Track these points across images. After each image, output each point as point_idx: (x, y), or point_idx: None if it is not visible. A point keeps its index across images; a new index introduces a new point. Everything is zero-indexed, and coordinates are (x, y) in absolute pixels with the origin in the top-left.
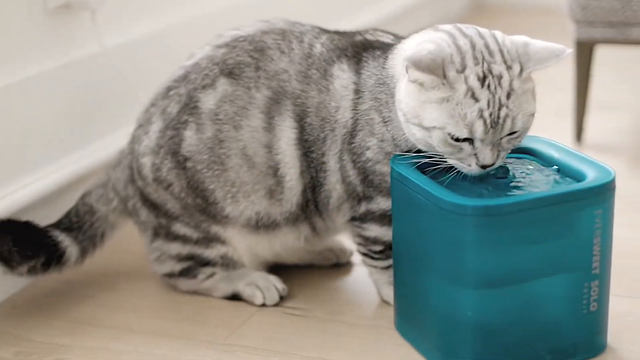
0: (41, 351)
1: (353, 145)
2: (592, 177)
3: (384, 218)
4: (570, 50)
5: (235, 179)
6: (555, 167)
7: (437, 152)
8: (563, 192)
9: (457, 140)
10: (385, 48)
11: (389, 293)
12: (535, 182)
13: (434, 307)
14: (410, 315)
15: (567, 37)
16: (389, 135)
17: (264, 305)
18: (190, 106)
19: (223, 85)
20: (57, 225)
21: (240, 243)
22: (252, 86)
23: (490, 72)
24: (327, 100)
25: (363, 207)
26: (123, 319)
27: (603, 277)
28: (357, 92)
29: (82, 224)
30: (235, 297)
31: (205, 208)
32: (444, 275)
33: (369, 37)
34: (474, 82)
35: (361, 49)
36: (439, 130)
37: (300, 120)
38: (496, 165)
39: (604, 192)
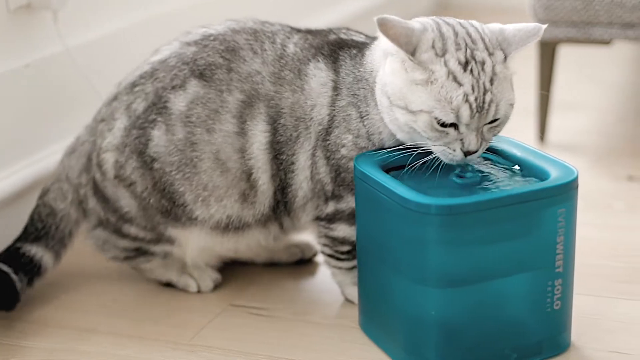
0: (2, 352)
1: (328, 142)
2: (555, 176)
3: (352, 217)
4: (544, 27)
5: (208, 183)
6: (519, 166)
7: (416, 142)
8: (526, 191)
9: (443, 125)
10: (360, 47)
11: (353, 293)
12: (499, 182)
13: (398, 306)
14: (374, 314)
15: None
16: (364, 131)
17: (199, 292)
18: (158, 106)
19: (194, 87)
20: (26, 237)
21: (196, 243)
22: (224, 89)
23: (473, 58)
24: (302, 99)
25: (331, 207)
26: (87, 320)
27: (566, 276)
28: (336, 89)
29: (48, 230)
30: (169, 285)
31: (170, 210)
32: (408, 274)
33: (342, 36)
34: (455, 66)
35: (337, 48)
36: (425, 114)
37: (274, 123)
38: (479, 154)
39: (566, 191)
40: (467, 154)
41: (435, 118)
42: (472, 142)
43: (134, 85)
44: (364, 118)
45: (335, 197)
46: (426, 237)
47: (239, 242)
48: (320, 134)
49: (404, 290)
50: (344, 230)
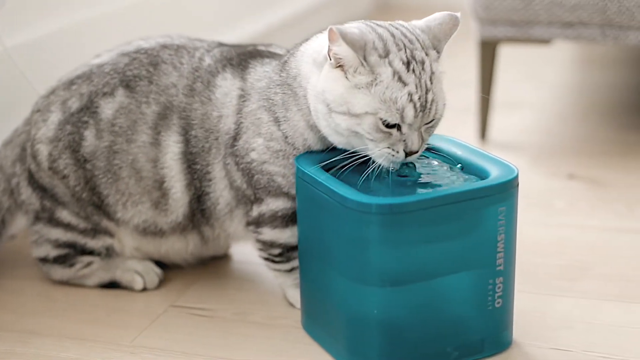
0: None
1: (236, 147)
2: (495, 174)
3: (274, 220)
4: (458, 14)
5: (125, 190)
6: (459, 165)
7: (355, 147)
8: (467, 189)
9: (387, 125)
10: (275, 57)
11: (294, 295)
12: (440, 180)
13: (340, 305)
14: (317, 314)
15: (470, 36)
16: (279, 134)
17: (144, 289)
18: (90, 110)
19: (120, 96)
20: None
21: (128, 241)
22: (143, 101)
23: (414, 58)
24: (209, 110)
25: (255, 211)
26: (27, 322)
27: (507, 274)
28: (242, 96)
29: None
30: (112, 285)
31: (100, 206)
32: (350, 273)
33: (260, 48)
34: (400, 66)
35: (248, 57)
36: (371, 115)
37: (186, 134)
38: (419, 154)
39: (507, 189)
40: (408, 154)
41: (381, 119)
42: (414, 142)
43: (71, 83)
44: (281, 122)
45: (257, 200)
46: (367, 237)
47: (160, 247)
48: (227, 142)
49: (346, 290)
50: (268, 233)
